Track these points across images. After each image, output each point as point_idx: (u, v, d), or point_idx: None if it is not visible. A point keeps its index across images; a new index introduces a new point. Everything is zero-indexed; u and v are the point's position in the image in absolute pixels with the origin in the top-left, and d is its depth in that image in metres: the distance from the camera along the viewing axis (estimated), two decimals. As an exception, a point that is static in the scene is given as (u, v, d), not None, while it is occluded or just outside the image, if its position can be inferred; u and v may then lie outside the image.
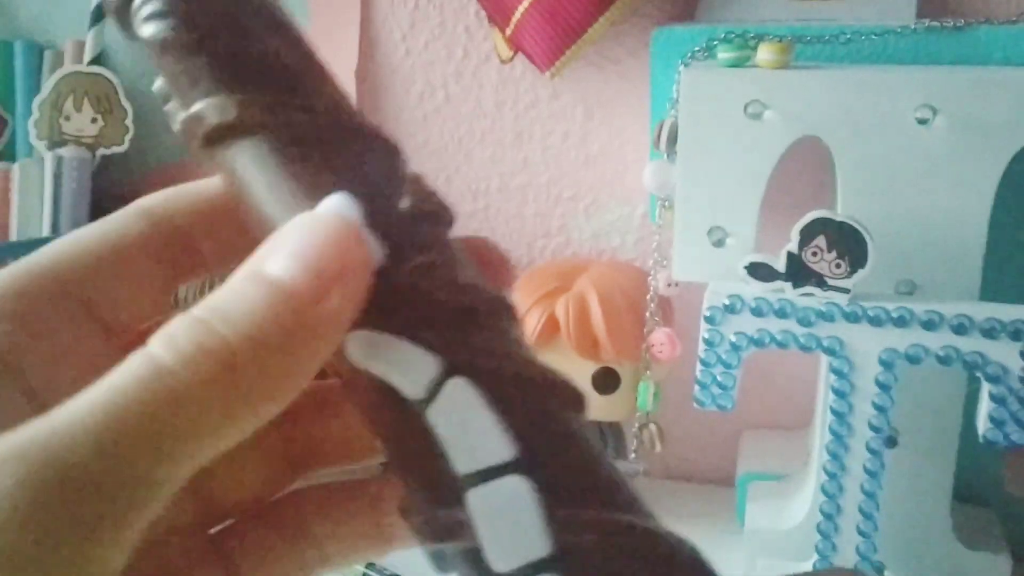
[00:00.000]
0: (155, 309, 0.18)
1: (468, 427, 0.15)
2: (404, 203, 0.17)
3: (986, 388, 0.43)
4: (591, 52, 0.59)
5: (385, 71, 0.65)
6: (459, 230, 0.18)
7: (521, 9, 0.55)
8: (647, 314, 0.54)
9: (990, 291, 0.47)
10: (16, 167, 0.65)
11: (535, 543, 0.15)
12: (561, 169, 0.64)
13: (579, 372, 0.55)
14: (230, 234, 0.19)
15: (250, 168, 0.17)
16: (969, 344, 0.43)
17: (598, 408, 0.56)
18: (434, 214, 0.17)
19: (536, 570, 0.15)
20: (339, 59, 0.64)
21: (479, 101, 0.64)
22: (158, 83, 0.18)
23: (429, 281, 0.16)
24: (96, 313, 0.17)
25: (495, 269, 0.18)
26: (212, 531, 0.19)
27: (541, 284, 0.56)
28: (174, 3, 0.17)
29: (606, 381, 0.55)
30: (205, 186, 0.19)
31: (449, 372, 0.15)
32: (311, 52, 0.18)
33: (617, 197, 0.63)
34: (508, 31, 0.57)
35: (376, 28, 0.64)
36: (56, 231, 0.64)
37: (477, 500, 0.15)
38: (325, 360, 0.15)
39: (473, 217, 0.65)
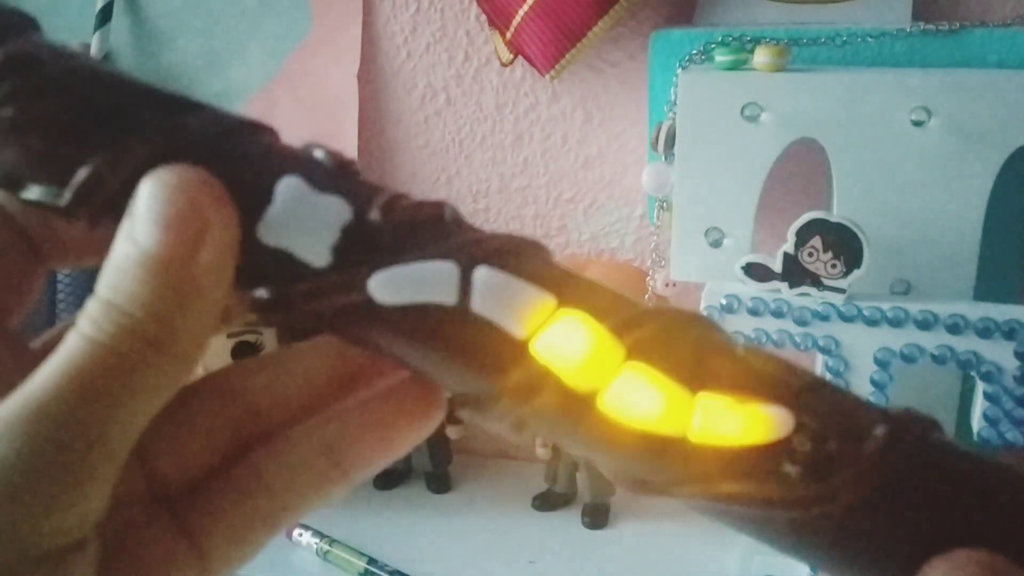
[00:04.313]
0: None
1: (513, 299, 0.17)
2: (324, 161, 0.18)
3: (980, 387, 0.43)
4: (590, 55, 0.60)
5: (387, 74, 0.65)
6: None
7: (521, 13, 0.56)
8: (646, 314, 0.54)
9: (984, 291, 0.48)
10: (21, 169, 0.65)
11: None
12: (560, 171, 0.64)
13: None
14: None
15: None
16: (963, 343, 0.43)
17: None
18: (349, 163, 0.18)
19: None
20: (341, 62, 0.65)
21: (479, 104, 0.64)
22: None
23: (400, 211, 0.17)
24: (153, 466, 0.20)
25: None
26: (175, 503, 0.19)
27: (541, 285, 0.57)
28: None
29: (605, 380, 0.55)
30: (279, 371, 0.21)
31: (467, 269, 0.17)
32: None
33: (615, 198, 0.64)
34: (508, 34, 0.57)
35: (378, 32, 0.65)
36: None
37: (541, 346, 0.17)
38: (220, 306, 0.17)
39: (473, 218, 0.65)
